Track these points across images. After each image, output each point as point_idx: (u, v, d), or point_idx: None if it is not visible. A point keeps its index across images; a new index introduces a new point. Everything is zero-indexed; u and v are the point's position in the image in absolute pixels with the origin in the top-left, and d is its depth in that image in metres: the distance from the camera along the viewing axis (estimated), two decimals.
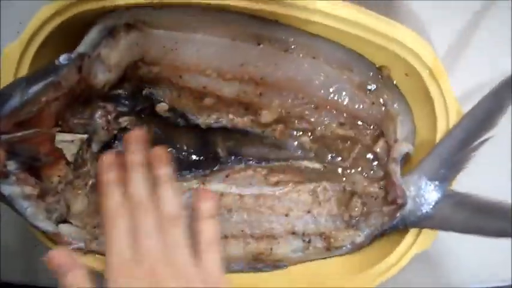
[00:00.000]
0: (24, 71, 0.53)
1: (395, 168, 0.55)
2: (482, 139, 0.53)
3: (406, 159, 0.57)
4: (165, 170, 0.49)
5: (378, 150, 0.57)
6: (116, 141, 0.59)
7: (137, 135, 0.50)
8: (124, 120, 0.58)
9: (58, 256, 0.46)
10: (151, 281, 0.44)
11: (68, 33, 0.53)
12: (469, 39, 0.62)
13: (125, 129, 0.58)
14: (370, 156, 0.58)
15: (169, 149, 0.59)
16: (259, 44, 0.55)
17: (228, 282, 0.47)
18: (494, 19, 0.62)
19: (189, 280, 0.45)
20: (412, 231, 0.55)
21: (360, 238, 0.58)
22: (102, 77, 0.54)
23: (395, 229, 0.56)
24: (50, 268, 0.46)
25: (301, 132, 0.59)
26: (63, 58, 0.51)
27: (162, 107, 0.57)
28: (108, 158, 0.50)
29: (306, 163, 0.60)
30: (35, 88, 0.50)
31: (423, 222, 0.54)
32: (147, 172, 0.49)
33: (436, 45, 0.60)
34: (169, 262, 0.45)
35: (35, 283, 0.66)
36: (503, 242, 0.62)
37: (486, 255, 0.65)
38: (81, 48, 0.52)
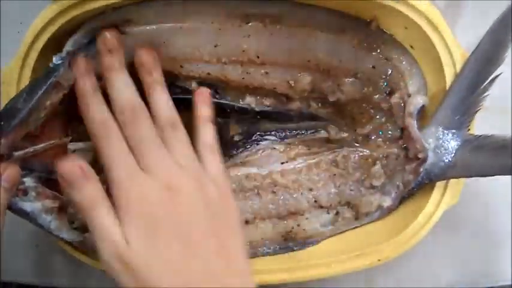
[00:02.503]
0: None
1: (412, 123, 0.54)
2: (490, 78, 0.52)
3: (421, 113, 0.56)
4: (156, 75, 0.47)
5: (392, 107, 0.56)
6: None
7: (111, 40, 0.48)
8: None
9: (70, 164, 0.43)
10: (167, 190, 0.42)
11: (63, 43, 0.52)
12: None
13: None
14: (385, 117, 0.58)
15: None
16: (248, 23, 0.54)
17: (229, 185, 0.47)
18: None
19: (203, 183, 0.44)
20: (437, 190, 0.55)
21: (387, 202, 0.58)
22: None
23: (421, 186, 0.55)
24: (60, 181, 0.43)
25: (314, 103, 0.59)
26: (55, 59, 0.51)
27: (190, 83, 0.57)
28: (81, 63, 0.47)
29: (322, 133, 0.60)
30: (37, 93, 0.49)
31: (447, 172, 0.54)
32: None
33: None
34: (178, 167, 0.43)
35: (38, 283, 0.67)
36: (503, 242, 0.64)
37: (486, 255, 0.65)
38: (68, 47, 0.51)
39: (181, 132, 0.46)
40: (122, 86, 0.45)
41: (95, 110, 0.45)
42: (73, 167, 0.43)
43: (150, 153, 0.43)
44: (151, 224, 0.41)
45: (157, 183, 0.42)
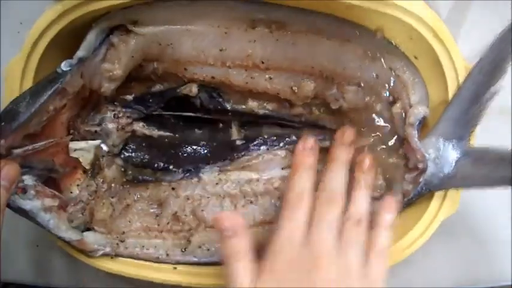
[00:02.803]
0: (28, 84, 0.53)
1: (413, 133, 0.54)
2: (492, 91, 0.52)
3: (422, 123, 0.56)
4: (370, 177, 0.51)
5: (393, 117, 0.56)
6: (128, 146, 0.59)
7: (349, 135, 0.52)
8: (137, 126, 0.59)
9: (228, 218, 0.47)
10: (312, 268, 0.44)
11: (67, 41, 0.53)
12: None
13: (135, 133, 0.59)
14: (386, 125, 0.58)
15: (185, 148, 0.60)
16: (254, 28, 0.54)
17: None
18: None
19: (351, 276, 0.45)
20: (436, 199, 0.55)
21: None
22: (108, 85, 0.55)
23: (420, 195, 0.55)
24: (218, 228, 0.47)
25: (316, 110, 0.59)
26: (64, 65, 0.51)
27: (191, 88, 0.57)
28: (310, 142, 0.52)
29: (322, 141, 0.59)
30: (41, 98, 0.50)
31: (447, 183, 0.54)
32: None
33: (438, 7, 0.60)
34: (337, 259, 0.45)
35: (37, 283, 0.67)
36: (503, 243, 0.64)
37: (486, 255, 0.65)
38: (80, 53, 0.52)
39: (363, 232, 0.47)
40: (336, 174, 0.50)
41: (301, 181, 0.49)
42: (235, 217, 0.48)
43: (319, 231, 0.46)
44: None
45: (307, 257, 0.45)
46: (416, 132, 0.54)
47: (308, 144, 0.52)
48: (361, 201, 0.49)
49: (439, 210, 0.55)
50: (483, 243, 0.65)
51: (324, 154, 0.58)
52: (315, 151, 0.52)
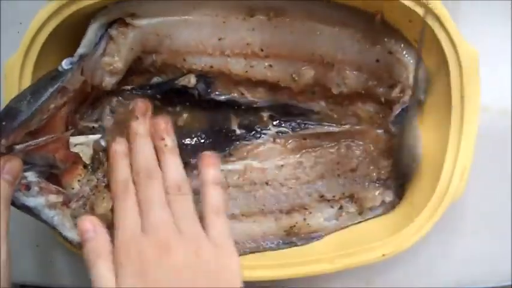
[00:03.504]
0: (27, 81, 0.53)
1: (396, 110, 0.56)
2: None
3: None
4: (168, 140, 0.49)
5: (394, 98, 0.56)
6: None
7: (141, 106, 0.51)
8: None
9: (84, 222, 0.47)
10: (162, 250, 0.44)
11: (65, 37, 0.53)
12: None
13: None
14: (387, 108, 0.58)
15: (185, 141, 0.59)
16: (252, 16, 0.54)
17: (234, 247, 0.47)
18: None
19: (199, 246, 0.45)
20: (442, 183, 0.54)
21: (389, 197, 0.58)
22: (109, 80, 0.55)
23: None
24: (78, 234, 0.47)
25: (316, 97, 0.59)
26: (65, 63, 0.51)
27: (189, 79, 0.57)
28: (118, 145, 0.50)
29: (323, 127, 0.59)
30: (42, 97, 0.49)
31: None
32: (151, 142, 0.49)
33: None
34: (177, 230, 0.45)
35: (38, 283, 0.67)
36: (504, 243, 0.64)
37: (486, 255, 0.64)
38: (81, 50, 0.52)
39: (187, 197, 0.48)
40: (142, 150, 0.49)
41: (118, 171, 0.49)
42: (92, 219, 0.47)
43: (153, 214, 0.46)
44: (144, 282, 0.43)
45: (154, 244, 0.45)
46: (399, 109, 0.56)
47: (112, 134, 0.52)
48: (172, 165, 0.48)
49: (445, 194, 0.54)
50: (483, 243, 0.64)
51: (322, 137, 0.59)
52: (122, 139, 0.51)
